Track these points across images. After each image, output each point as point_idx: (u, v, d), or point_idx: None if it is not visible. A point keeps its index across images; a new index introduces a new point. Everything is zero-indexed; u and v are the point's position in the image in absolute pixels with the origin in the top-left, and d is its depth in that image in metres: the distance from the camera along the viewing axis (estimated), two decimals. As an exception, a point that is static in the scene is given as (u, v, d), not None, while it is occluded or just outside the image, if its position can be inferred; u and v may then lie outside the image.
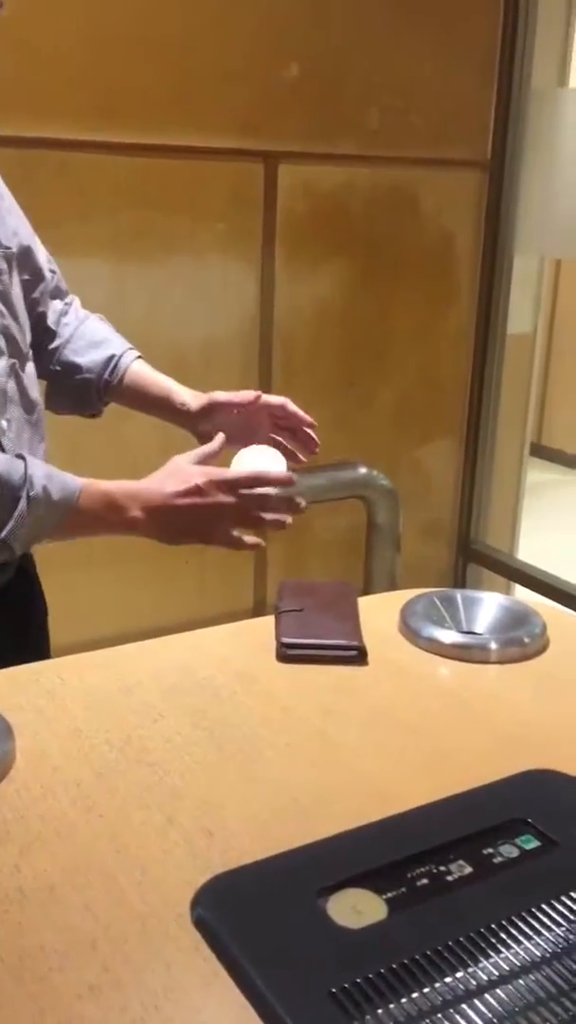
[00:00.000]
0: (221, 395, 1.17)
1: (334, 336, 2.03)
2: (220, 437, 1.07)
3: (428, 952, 0.59)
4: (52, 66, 1.62)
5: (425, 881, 0.65)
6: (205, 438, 1.12)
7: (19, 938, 0.62)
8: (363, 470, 2.01)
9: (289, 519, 1.02)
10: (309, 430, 1.16)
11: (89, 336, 1.23)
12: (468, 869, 0.66)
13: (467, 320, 2.18)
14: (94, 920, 0.64)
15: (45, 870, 0.68)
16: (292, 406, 1.15)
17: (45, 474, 0.97)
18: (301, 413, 1.15)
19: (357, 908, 0.63)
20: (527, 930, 0.61)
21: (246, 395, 1.16)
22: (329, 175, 1.94)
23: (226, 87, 1.79)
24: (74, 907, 0.65)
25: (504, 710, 0.90)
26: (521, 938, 0.60)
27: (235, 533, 1.00)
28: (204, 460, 1.04)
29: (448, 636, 0.98)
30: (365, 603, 1.07)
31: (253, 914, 0.63)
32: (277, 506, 1.01)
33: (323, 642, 0.96)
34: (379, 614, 1.05)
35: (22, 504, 0.94)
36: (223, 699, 0.91)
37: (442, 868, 0.66)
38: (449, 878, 0.65)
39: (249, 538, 1.01)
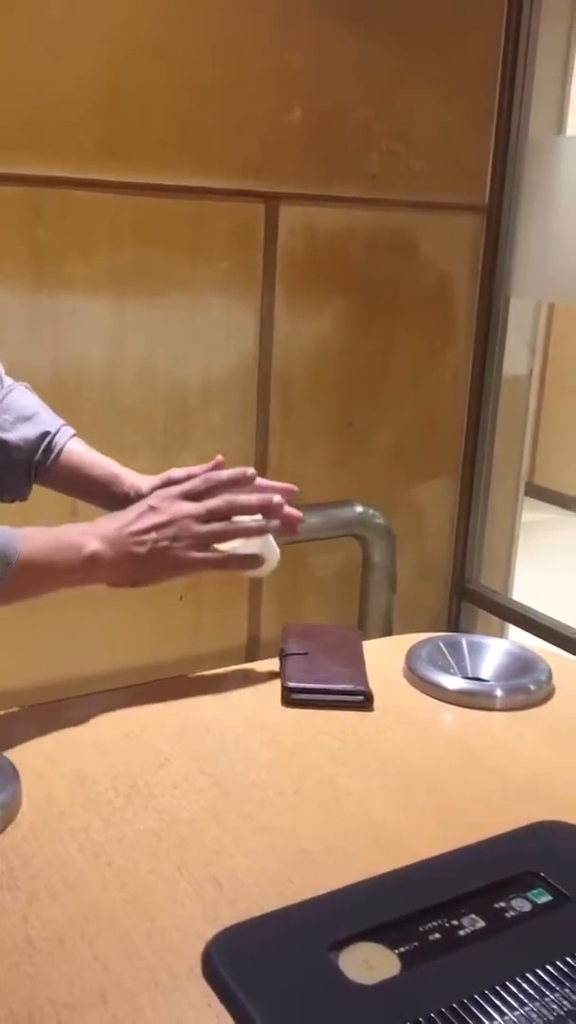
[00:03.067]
0: (179, 472, 1.03)
1: (332, 376, 2.04)
2: (218, 459, 1.02)
3: (443, 1009, 0.58)
4: (57, 107, 1.63)
5: (437, 936, 0.65)
6: None
7: (29, 990, 0.61)
8: (359, 508, 2.02)
9: (273, 523, 0.95)
10: (288, 509, 1.02)
11: (18, 409, 1.07)
12: (480, 923, 0.66)
13: (464, 361, 2.20)
14: (104, 972, 0.63)
15: (53, 920, 0.68)
16: (263, 481, 1.03)
17: None
18: (275, 484, 1.04)
19: (370, 963, 0.63)
20: (541, 987, 0.60)
21: (209, 469, 1.02)
22: (329, 217, 1.96)
23: (229, 129, 1.81)
24: (84, 958, 0.64)
25: (512, 759, 0.90)
26: (535, 995, 0.60)
27: (215, 548, 0.94)
28: None
29: (453, 682, 0.98)
30: (369, 647, 1.07)
31: (264, 967, 0.63)
32: (250, 507, 0.95)
33: (329, 687, 0.96)
34: (384, 658, 1.05)
35: None
36: (229, 744, 0.91)
37: (454, 922, 0.66)
38: (461, 932, 0.65)
39: (208, 554, 0.93)
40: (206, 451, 1.87)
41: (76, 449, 1.08)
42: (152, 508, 0.93)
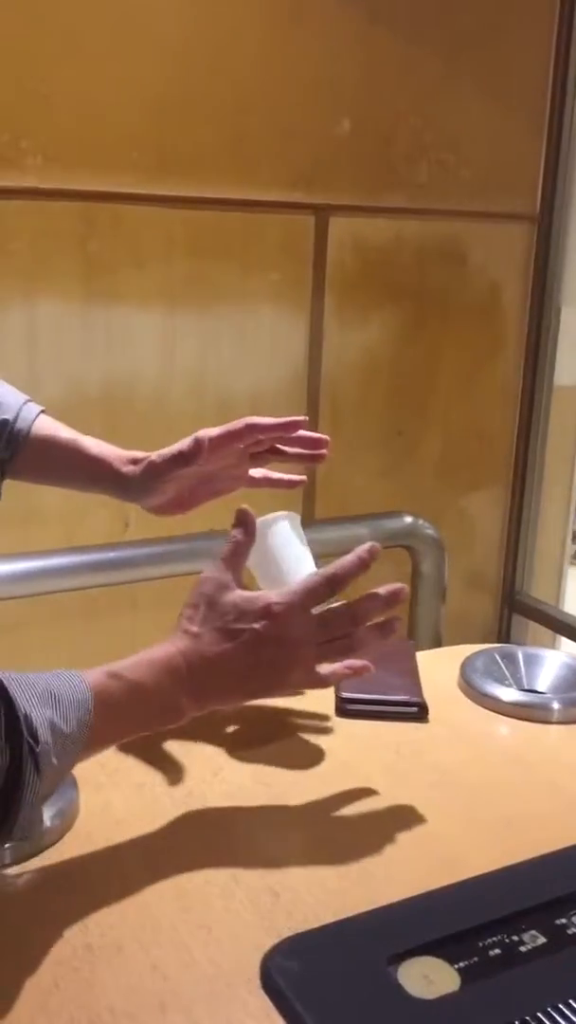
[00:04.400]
0: (210, 432, 0.89)
1: (382, 386, 2.03)
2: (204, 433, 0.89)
3: (504, 1026, 0.58)
4: (110, 123, 1.65)
5: (498, 951, 0.64)
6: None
7: (89, 998, 0.62)
8: (409, 519, 2.01)
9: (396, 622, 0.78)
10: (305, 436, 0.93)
11: None
12: (541, 940, 0.65)
13: (514, 371, 2.18)
14: (163, 981, 0.63)
15: (112, 927, 0.68)
16: (263, 419, 0.92)
17: (40, 697, 0.66)
18: (280, 419, 0.92)
19: (429, 977, 0.62)
20: (604, 1005, 0.59)
21: (286, 422, 0.91)
22: (379, 228, 1.96)
23: (279, 143, 1.82)
24: (142, 967, 0.65)
25: (568, 773, 0.89)
26: (599, 1014, 0.59)
27: (319, 669, 0.78)
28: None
29: (509, 694, 0.97)
30: (423, 658, 1.07)
31: (323, 980, 0.62)
32: (369, 613, 0.77)
33: (384, 698, 0.96)
34: (438, 670, 1.05)
35: (27, 775, 0.62)
36: (283, 755, 0.90)
37: (515, 938, 0.65)
38: (522, 948, 0.64)
39: (336, 667, 0.79)
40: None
41: (48, 426, 0.93)
42: (259, 636, 0.74)
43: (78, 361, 1.70)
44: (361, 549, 0.79)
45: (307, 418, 0.94)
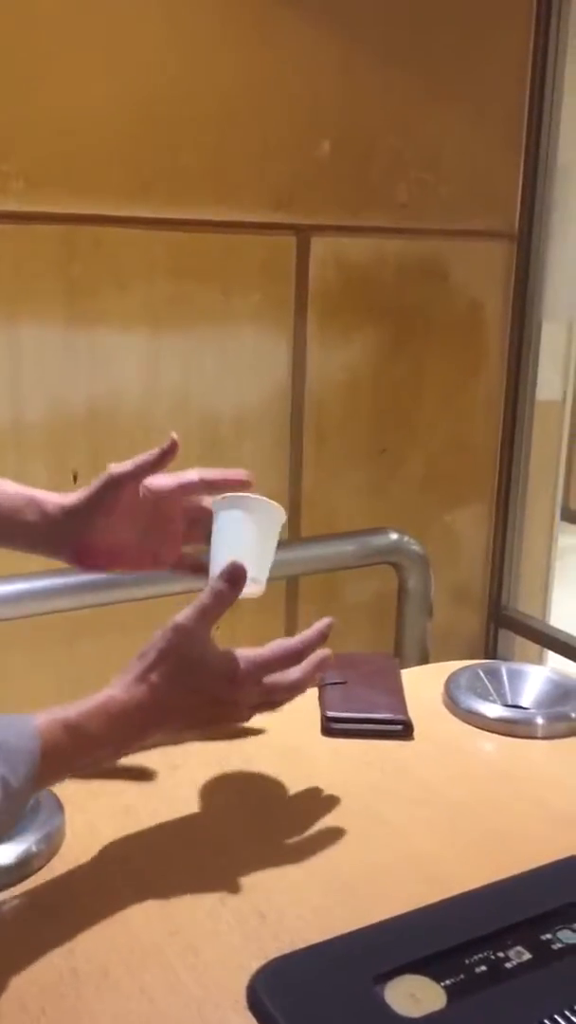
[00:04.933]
0: (120, 467, 0.85)
1: (365, 404, 2.04)
2: (172, 437, 0.85)
3: (491, 1043, 0.58)
4: (92, 148, 1.66)
5: (483, 968, 0.64)
6: (87, 555, 0.86)
7: (75, 1023, 0.62)
8: (394, 536, 2.01)
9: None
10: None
11: None
12: (527, 956, 0.65)
13: (496, 387, 2.20)
14: (150, 1004, 0.63)
15: (98, 952, 0.68)
16: (211, 472, 0.90)
17: None
18: (229, 473, 0.91)
19: (415, 996, 0.62)
20: (590, 1020, 0.60)
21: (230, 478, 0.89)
22: (360, 247, 1.98)
23: (259, 164, 1.83)
24: (129, 991, 0.64)
25: (553, 788, 0.89)
26: (584, 1029, 0.59)
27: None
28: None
29: (493, 710, 0.98)
30: (408, 675, 1.07)
31: (310, 1000, 0.63)
32: (307, 677, 0.81)
33: (369, 716, 0.96)
34: (423, 687, 1.05)
35: None
36: (269, 775, 0.91)
37: (500, 954, 0.65)
38: (508, 965, 0.64)
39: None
40: (241, 481, 1.89)
41: None
42: (216, 699, 0.77)
43: (62, 383, 1.71)
44: (322, 624, 0.82)
45: (251, 477, 0.91)
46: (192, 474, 0.90)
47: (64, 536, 0.87)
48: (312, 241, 1.91)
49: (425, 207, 2.02)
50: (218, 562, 0.84)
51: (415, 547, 2.01)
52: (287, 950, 0.67)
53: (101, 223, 1.70)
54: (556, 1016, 0.59)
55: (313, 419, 1.98)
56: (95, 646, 1.78)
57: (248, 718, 0.81)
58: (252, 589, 0.83)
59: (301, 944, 0.68)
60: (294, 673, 0.80)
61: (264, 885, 0.75)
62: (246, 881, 0.75)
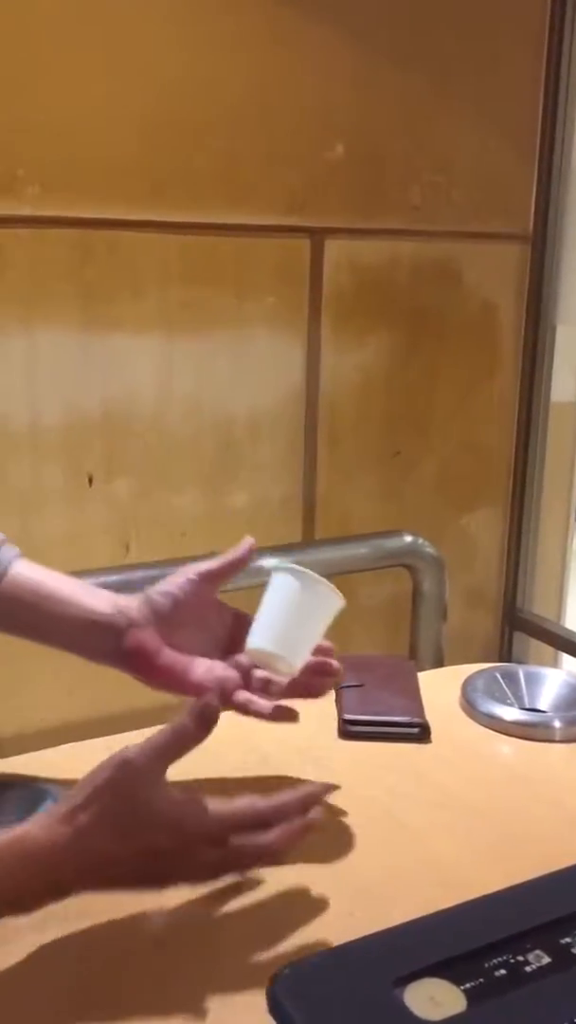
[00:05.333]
0: (207, 565, 0.83)
1: (379, 406, 2.04)
2: (247, 542, 0.82)
3: (511, 1047, 0.58)
4: (106, 153, 1.67)
5: (503, 972, 0.64)
6: (154, 666, 0.82)
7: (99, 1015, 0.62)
8: (408, 538, 2.01)
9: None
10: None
11: None
12: (546, 959, 0.65)
13: (511, 389, 2.19)
14: (169, 1009, 0.63)
15: (114, 958, 0.68)
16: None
17: None
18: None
19: (435, 999, 0.62)
20: (611, 1024, 0.59)
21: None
22: (373, 250, 1.98)
23: (273, 167, 1.84)
24: (148, 996, 0.65)
25: (571, 791, 0.89)
26: (605, 1033, 0.59)
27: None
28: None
29: (511, 714, 0.98)
30: (425, 678, 1.07)
31: (330, 1003, 0.62)
32: (282, 844, 0.70)
33: (386, 719, 0.96)
34: (439, 690, 1.05)
35: None
36: (285, 776, 0.91)
37: (520, 958, 0.65)
38: (528, 968, 0.64)
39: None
40: (254, 485, 1.90)
41: (25, 573, 0.84)
42: (158, 850, 0.67)
43: (77, 387, 1.71)
44: (306, 792, 0.73)
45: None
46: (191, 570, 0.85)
47: (131, 635, 0.83)
48: (326, 244, 1.91)
49: (438, 210, 2.02)
50: (254, 632, 0.80)
51: (429, 550, 2.01)
52: (306, 953, 0.67)
53: (115, 227, 1.70)
54: (575, 1020, 0.59)
55: (327, 422, 1.98)
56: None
57: (206, 879, 0.72)
58: (281, 668, 0.79)
59: (321, 947, 0.68)
60: (266, 836, 0.69)
61: (282, 887, 0.75)
62: (263, 884, 0.75)
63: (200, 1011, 0.63)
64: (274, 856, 0.70)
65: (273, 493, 1.93)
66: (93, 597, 0.84)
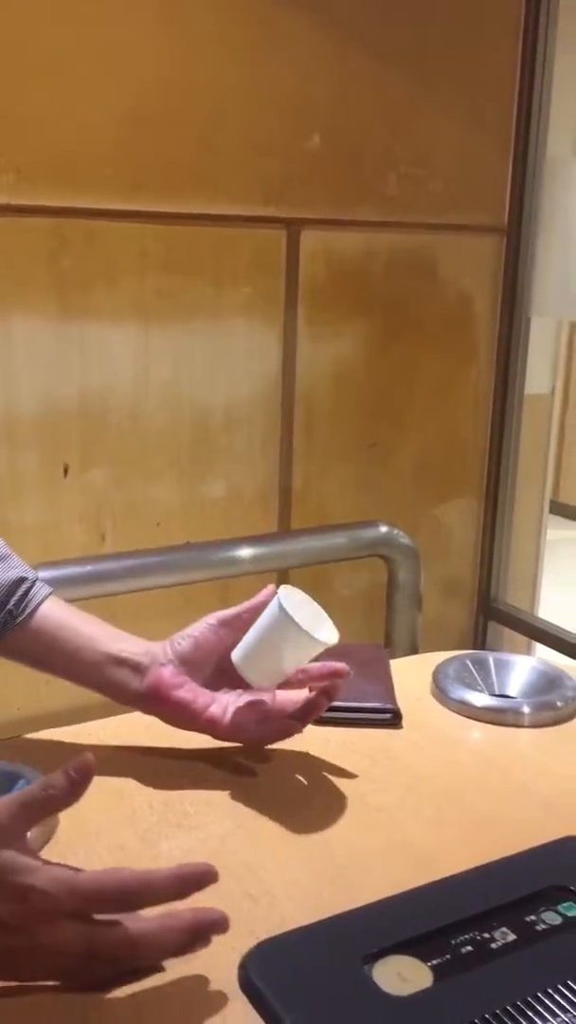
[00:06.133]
0: (226, 612, 0.89)
1: (355, 397, 2.06)
2: (267, 590, 0.88)
3: (475, 1020, 0.59)
4: (83, 142, 1.67)
5: (469, 948, 0.66)
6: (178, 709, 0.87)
7: (67, 1001, 0.63)
8: (384, 529, 2.03)
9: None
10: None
11: None
12: (511, 936, 0.67)
13: (485, 381, 2.21)
14: (142, 984, 0.65)
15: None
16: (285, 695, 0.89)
17: None
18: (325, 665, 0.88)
19: (403, 975, 0.64)
20: (573, 998, 0.61)
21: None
22: (350, 241, 1.99)
23: (250, 158, 1.84)
24: (122, 971, 0.66)
25: (539, 775, 0.91)
26: (568, 1006, 0.60)
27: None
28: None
29: (481, 699, 0.99)
30: (396, 665, 1.09)
31: (300, 980, 0.64)
32: (162, 935, 0.62)
33: (359, 705, 0.97)
34: (411, 676, 1.07)
35: None
36: (260, 761, 0.92)
37: (485, 935, 0.67)
38: (493, 945, 0.66)
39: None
40: (230, 475, 1.91)
41: (57, 609, 0.89)
42: (2, 926, 0.58)
43: (53, 376, 1.72)
44: (189, 878, 0.64)
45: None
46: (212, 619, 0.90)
47: (159, 680, 0.87)
48: (302, 235, 1.92)
49: (415, 201, 2.04)
50: (239, 646, 0.87)
51: (405, 540, 2.02)
52: (278, 932, 0.68)
53: (92, 216, 1.71)
54: (539, 994, 0.61)
55: (303, 412, 2.00)
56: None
57: (65, 970, 0.61)
58: (252, 684, 0.86)
59: (291, 926, 0.69)
60: (138, 926, 0.61)
61: (256, 869, 0.76)
62: (237, 865, 0.76)
63: (171, 989, 0.64)
64: (143, 953, 0.62)
65: (249, 483, 1.94)
66: (120, 639, 0.89)
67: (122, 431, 1.79)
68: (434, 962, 0.64)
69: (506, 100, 2.10)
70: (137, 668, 0.87)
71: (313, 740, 0.96)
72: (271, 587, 0.87)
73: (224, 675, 0.89)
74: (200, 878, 0.63)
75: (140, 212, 1.74)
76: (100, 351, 1.76)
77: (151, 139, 1.73)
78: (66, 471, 1.75)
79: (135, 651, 0.88)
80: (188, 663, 0.88)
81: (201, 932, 0.63)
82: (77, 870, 0.62)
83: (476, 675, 1.04)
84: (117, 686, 0.87)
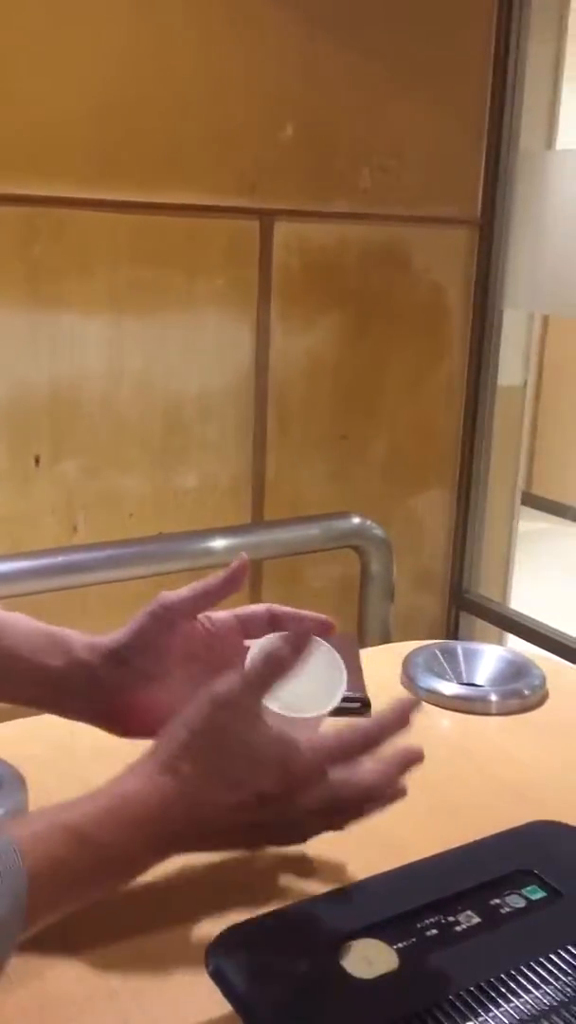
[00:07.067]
0: (174, 595, 0.70)
1: (328, 389, 2.06)
2: (241, 559, 0.70)
3: (440, 1002, 0.60)
4: (54, 128, 1.66)
5: (435, 931, 0.66)
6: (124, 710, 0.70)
7: (40, 986, 0.63)
8: (356, 520, 2.04)
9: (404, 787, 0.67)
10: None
11: None
12: (476, 919, 0.68)
13: (458, 373, 2.23)
14: (113, 970, 0.65)
15: (63, 921, 0.69)
16: (281, 608, 0.73)
17: None
18: (308, 613, 0.73)
19: (369, 958, 0.64)
20: (535, 979, 0.62)
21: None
22: (323, 232, 1.99)
23: (223, 148, 1.84)
24: (93, 957, 0.66)
25: (506, 762, 0.92)
26: (530, 987, 0.61)
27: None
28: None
29: (449, 688, 1.00)
30: (366, 654, 1.09)
31: (267, 964, 0.64)
32: (386, 780, 0.66)
33: (327, 694, 0.97)
34: (380, 665, 1.07)
35: None
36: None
37: (451, 918, 0.68)
38: (458, 928, 0.67)
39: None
40: (203, 466, 1.91)
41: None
42: (265, 798, 0.60)
43: (24, 366, 1.71)
44: (407, 704, 0.66)
45: (333, 622, 0.74)
46: (259, 608, 0.73)
47: (99, 689, 0.70)
48: (275, 226, 1.92)
49: (388, 193, 2.04)
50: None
51: (377, 531, 2.03)
52: (245, 918, 0.69)
53: (64, 205, 1.70)
54: (502, 975, 0.62)
55: (276, 403, 2.00)
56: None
57: (304, 838, 0.66)
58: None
59: (259, 912, 0.69)
60: (367, 776, 0.64)
61: (224, 855, 0.76)
62: (205, 853, 0.77)
63: (140, 973, 0.65)
64: (377, 796, 0.65)
65: (222, 474, 1.94)
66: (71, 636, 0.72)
67: (94, 422, 1.79)
68: (400, 945, 0.65)
69: (480, 93, 2.11)
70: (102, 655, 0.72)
71: (283, 728, 0.97)
72: (243, 555, 0.74)
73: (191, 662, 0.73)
74: (405, 702, 0.67)
75: (113, 202, 1.74)
76: (72, 341, 1.76)
77: (124, 129, 1.72)
78: (37, 461, 1.74)
79: (51, 663, 0.72)
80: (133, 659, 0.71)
81: (408, 763, 0.67)
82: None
83: (445, 664, 1.05)
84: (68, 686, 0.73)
